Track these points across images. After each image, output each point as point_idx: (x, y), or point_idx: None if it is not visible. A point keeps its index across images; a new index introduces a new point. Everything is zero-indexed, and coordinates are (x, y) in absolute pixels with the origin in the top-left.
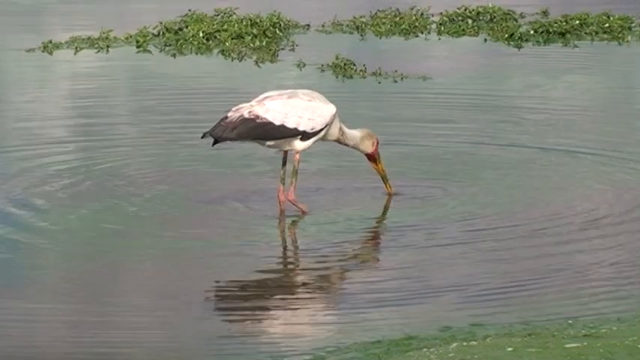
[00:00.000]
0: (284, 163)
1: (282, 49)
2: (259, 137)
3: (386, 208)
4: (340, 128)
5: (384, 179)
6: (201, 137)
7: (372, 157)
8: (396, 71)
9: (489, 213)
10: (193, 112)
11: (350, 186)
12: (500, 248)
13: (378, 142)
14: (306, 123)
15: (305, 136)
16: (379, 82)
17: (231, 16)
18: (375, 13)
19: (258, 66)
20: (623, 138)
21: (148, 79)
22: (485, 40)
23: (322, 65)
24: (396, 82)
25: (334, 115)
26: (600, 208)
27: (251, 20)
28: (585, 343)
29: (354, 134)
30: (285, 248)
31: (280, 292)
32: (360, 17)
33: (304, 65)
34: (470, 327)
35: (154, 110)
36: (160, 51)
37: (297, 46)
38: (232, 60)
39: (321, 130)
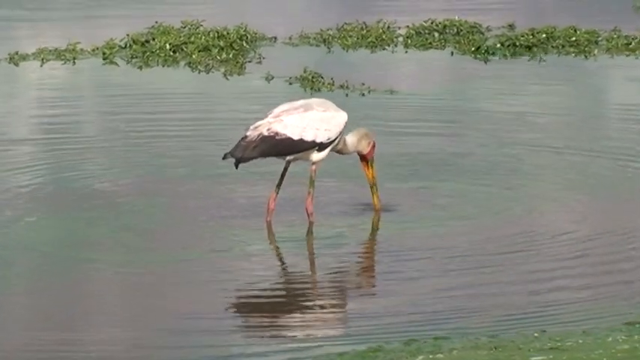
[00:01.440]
0: (283, 175)
1: (249, 61)
2: (280, 153)
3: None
4: (343, 137)
5: (372, 189)
6: (223, 158)
7: (365, 159)
8: (363, 84)
9: (456, 224)
10: (160, 123)
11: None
12: (468, 260)
13: (374, 145)
14: (323, 134)
15: (321, 146)
16: (347, 95)
17: (198, 28)
18: (342, 26)
19: (226, 78)
20: (587, 149)
21: (114, 90)
22: (452, 53)
23: (290, 78)
24: (363, 95)
25: (346, 122)
26: (566, 221)
27: (218, 33)
28: (551, 356)
29: (351, 139)
30: (264, 260)
31: (240, 307)
32: (327, 30)
33: (272, 78)
34: (435, 340)
35: (119, 120)
36: (127, 63)
37: (264, 58)
38: (199, 72)
39: (336, 138)
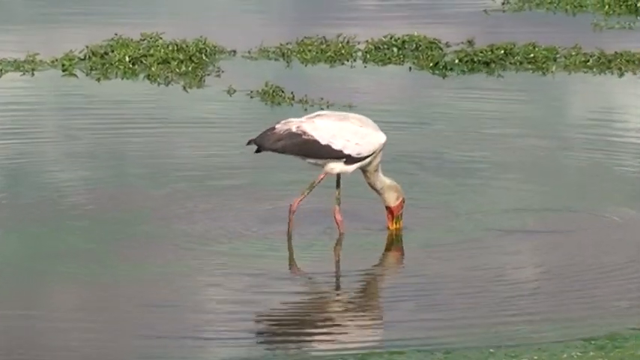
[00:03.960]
0: (338, 184)
1: (209, 74)
2: (303, 153)
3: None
4: (378, 163)
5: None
6: (247, 144)
7: (392, 213)
8: (322, 99)
9: (410, 234)
10: (120, 135)
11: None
12: (422, 271)
13: (403, 202)
14: (353, 147)
15: (349, 160)
16: (306, 110)
17: (157, 41)
18: (302, 40)
19: (186, 91)
20: (538, 165)
21: (74, 101)
22: (410, 68)
23: (251, 92)
24: (322, 109)
25: (383, 145)
26: (520, 232)
27: (177, 45)
28: None
29: (384, 178)
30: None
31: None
32: (287, 44)
33: (234, 91)
34: (390, 355)
35: (79, 132)
36: (86, 75)
37: (223, 72)
38: (159, 85)
39: (367, 157)
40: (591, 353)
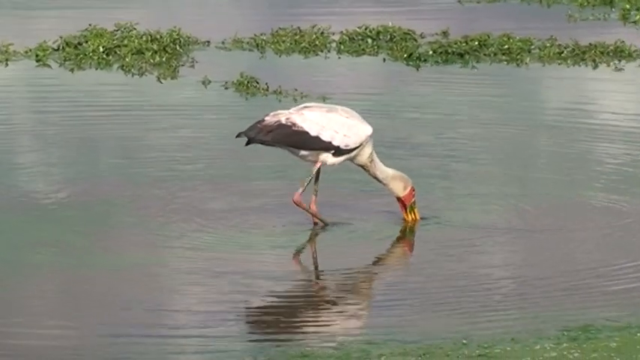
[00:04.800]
0: (317, 178)
1: (183, 65)
2: (293, 145)
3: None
4: (371, 154)
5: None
6: (236, 137)
7: (403, 203)
8: (296, 90)
9: (389, 230)
10: (95, 125)
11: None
12: (397, 265)
13: (413, 190)
14: (341, 139)
15: (338, 152)
16: (279, 101)
17: (131, 31)
18: (276, 31)
19: (160, 82)
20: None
21: (47, 91)
22: (384, 59)
23: (226, 82)
24: (296, 100)
25: (369, 137)
26: (495, 226)
27: (151, 36)
28: None
29: (385, 169)
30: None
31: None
32: (261, 35)
33: (209, 82)
34: (364, 345)
35: (52, 122)
36: (60, 65)
37: (197, 62)
38: (133, 75)
39: (355, 149)
40: (564, 345)
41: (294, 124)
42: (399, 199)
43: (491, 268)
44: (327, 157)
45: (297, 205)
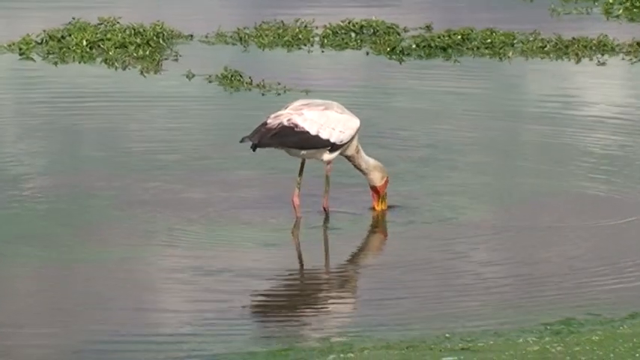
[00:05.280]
0: (301, 172)
1: (166, 59)
2: (295, 146)
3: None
4: (357, 145)
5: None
6: (240, 142)
7: (377, 193)
8: (279, 84)
9: (372, 225)
10: (78, 118)
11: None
12: (380, 260)
13: (387, 181)
14: (337, 135)
15: (334, 147)
16: (263, 95)
17: (114, 25)
18: (260, 25)
19: (143, 75)
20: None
21: (31, 85)
22: (368, 53)
23: (210, 76)
24: (279, 94)
25: (358, 129)
26: (478, 221)
27: (134, 30)
28: (462, 357)
29: (368, 159)
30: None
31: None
32: (244, 29)
33: (193, 76)
34: (348, 339)
35: (35, 115)
36: (43, 59)
37: (180, 56)
38: (116, 69)
39: (347, 142)
40: (547, 338)
41: (296, 125)
42: (374, 188)
43: (475, 263)
44: (325, 154)
45: (325, 209)
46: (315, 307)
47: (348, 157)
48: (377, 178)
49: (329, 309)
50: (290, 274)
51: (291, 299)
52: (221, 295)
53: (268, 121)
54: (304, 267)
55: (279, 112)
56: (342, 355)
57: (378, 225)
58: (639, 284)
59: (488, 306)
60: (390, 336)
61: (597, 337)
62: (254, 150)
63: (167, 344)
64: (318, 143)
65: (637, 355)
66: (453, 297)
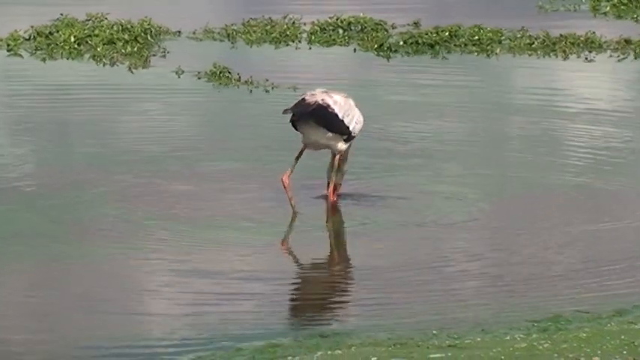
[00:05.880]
0: (298, 158)
1: (154, 55)
2: (325, 125)
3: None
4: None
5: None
6: (283, 112)
7: (335, 189)
8: (267, 80)
9: (356, 219)
10: (66, 114)
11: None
12: (366, 257)
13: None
14: (354, 126)
15: (349, 137)
16: (250, 91)
17: (102, 21)
18: (247, 21)
19: (131, 72)
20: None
21: (19, 81)
22: (355, 50)
23: (199, 72)
24: (267, 91)
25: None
26: (462, 217)
27: (122, 26)
28: (449, 354)
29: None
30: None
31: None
32: (232, 25)
33: (183, 72)
34: (335, 335)
35: (23, 111)
36: (31, 55)
37: (168, 52)
38: (104, 65)
39: (356, 136)
40: (534, 335)
41: (328, 106)
42: (337, 184)
43: (462, 259)
44: (340, 143)
45: (334, 205)
46: (302, 304)
47: (339, 152)
48: (341, 178)
49: (316, 306)
50: (277, 272)
51: (278, 297)
52: (209, 294)
53: (306, 98)
54: (291, 265)
55: (313, 92)
56: (329, 352)
57: (363, 223)
58: (627, 281)
59: (475, 303)
60: (377, 333)
61: (585, 334)
62: (291, 122)
63: (153, 341)
64: (341, 128)
65: (624, 352)
66: (440, 294)
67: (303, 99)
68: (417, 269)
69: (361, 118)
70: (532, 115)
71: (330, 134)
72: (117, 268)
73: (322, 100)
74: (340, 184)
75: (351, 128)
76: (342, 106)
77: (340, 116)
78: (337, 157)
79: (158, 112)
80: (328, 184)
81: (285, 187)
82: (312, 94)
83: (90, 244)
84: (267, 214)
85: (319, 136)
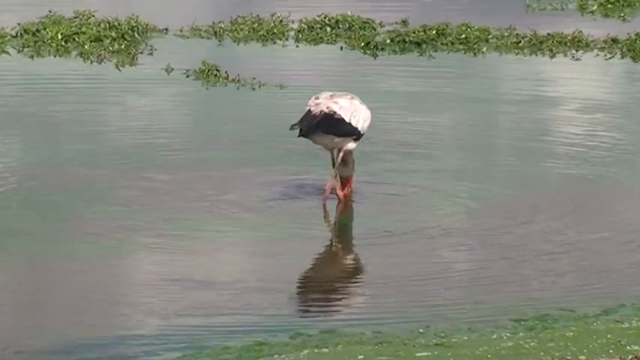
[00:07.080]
0: (334, 164)
1: (141, 52)
2: (334, 133)
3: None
4: None
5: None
6: (290, 129)
7: (344, 186)
8: (254, 78)
9: (347, 221)
10: (54, 112)
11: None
12: (353, 255)
13: (352, 177)
14: (362, 124)
15: (358, 137)
16: (238, 89)
17: (89, 18)
18: (235, 19)
19: (119, 69)
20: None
21: (5, 78)
22: (342, 48)
23: (188, 70)
24: (254, 89)
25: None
26: (450, 215)
27: (109, 23)
28: (436, 353)
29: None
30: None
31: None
32: (219, 22)
33: (172, 70)
34: (321, 334)
35: (12, 107)
36: (18, 52)
37: (155, 50)
38: (91, 63)
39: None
40: (521, 334)
41: (334, 113)
42: (347, 178)
43: (448, 258)
44: (350, 143)
45: (345, 198)
46: (288, 302)
47: (345, 152)
48: (350, 171)
49: (303, 304)
50: (265, 271)
51: (265, 295)
52: (197, 291)
53: (312, 108)
54: (278, 264)
55: (317, 101)
56: (315, 351)
57: (350, 222)
58: (613, 280)
59: (462, 301)
60: (363, 331)
61: (571, 333)
62: (299, 136)
63: (141, 338)
64: (349, 131)
65: (611, 351)
66: (426, 293)
67: (309, 110)
68: (403, 268)
69: (368, 113)
70: (521, 110)
71: (338, 139)
72: (103, 266)
73: (327, 107)
74: (352, 175)
75: (359, 128)
76: (348, 109)
77: (347, 120)
78: (344, 151)
79: (146, 110)
80: (336, 177)
81: (327, 191)
82: (317, 103)
83: (77, 241)
84: (257, 212)
85: (329, 141)
